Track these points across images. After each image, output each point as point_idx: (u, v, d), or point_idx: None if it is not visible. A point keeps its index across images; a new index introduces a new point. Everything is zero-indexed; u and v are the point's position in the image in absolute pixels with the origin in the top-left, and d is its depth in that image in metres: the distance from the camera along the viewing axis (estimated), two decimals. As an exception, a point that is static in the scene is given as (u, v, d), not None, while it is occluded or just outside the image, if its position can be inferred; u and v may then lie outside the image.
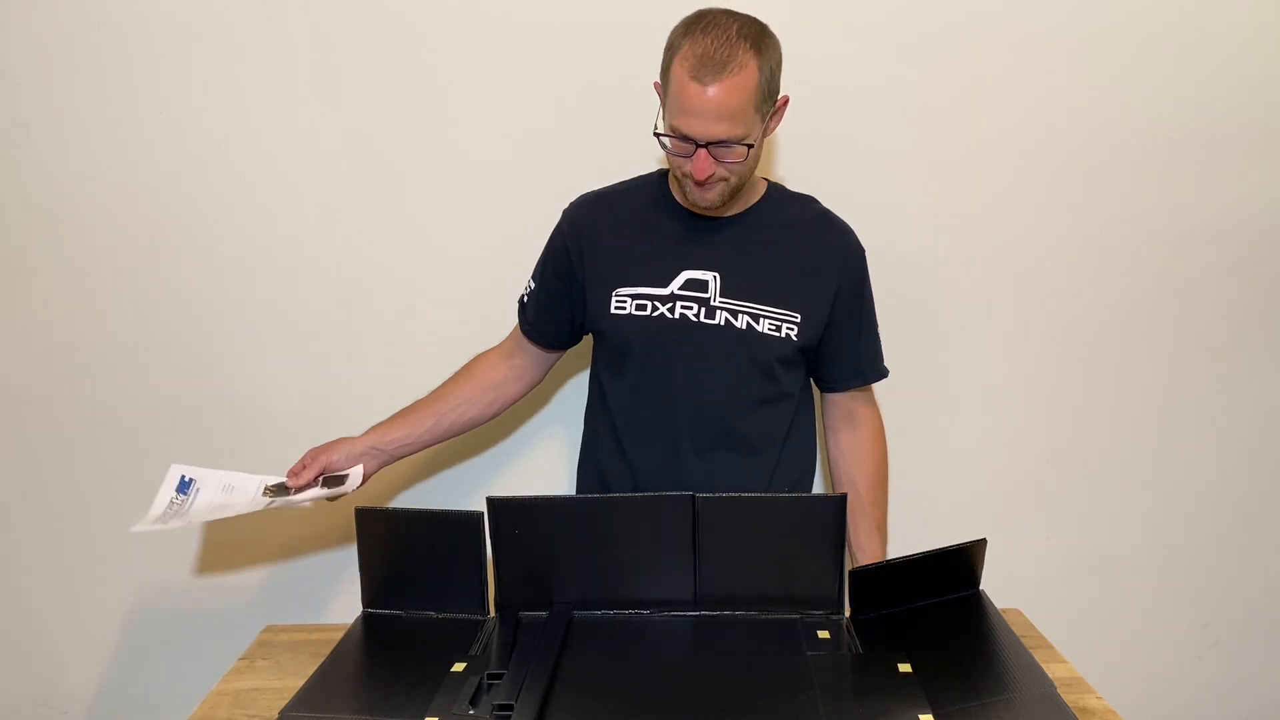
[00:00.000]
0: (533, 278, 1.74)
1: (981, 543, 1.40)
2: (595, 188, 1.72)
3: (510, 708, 1.19)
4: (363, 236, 1.97)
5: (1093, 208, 2.03)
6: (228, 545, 2.11)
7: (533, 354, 1.77)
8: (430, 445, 1.74)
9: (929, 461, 2.14)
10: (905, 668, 1.26)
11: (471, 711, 1.21)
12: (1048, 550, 2.21)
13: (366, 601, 1.51)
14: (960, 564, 1.41)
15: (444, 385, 1.75)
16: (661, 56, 1.48)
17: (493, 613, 1.49)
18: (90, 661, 2.15)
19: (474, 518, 1.44)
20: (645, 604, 1.46)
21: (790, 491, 1.67)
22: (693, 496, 1.40)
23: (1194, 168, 2.02)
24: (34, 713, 2.18)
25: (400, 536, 1.49)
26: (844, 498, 1.40)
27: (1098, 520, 2.21)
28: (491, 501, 1.44)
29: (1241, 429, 2.18)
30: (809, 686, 1.23)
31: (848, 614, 1.43)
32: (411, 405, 1.73)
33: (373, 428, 1.70)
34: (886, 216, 2.00)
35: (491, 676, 1.28)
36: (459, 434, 1.76)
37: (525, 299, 1.74)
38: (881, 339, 1.90)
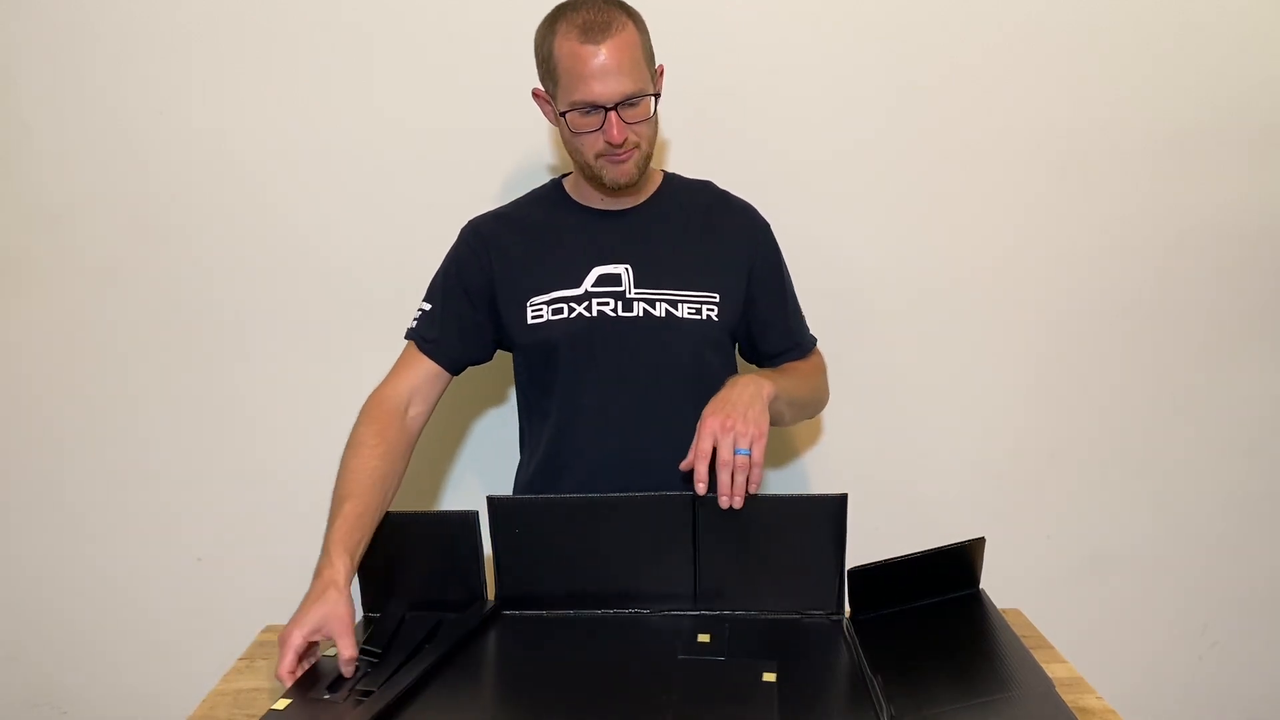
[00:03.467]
0: (428, 301, 1.64)
1: (980, 541, 1.39)
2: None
3: (370, 693, 1.20)
4: (366, 236, 1.98)
5: (1094, 207, 2.03)
6: (228, 545, 2.11)
7: (433, 379, 1.62)
8: None
9: (929, 460, 2.14)
10: (770, 677, 1.24)
11: (327, 696, 1.21)
12: (1048, 550, 2.20)
13: (366, 605, 1.50)
14: (960, 563, 1.40)
15: (362, 462, 1.47)
16: (535, 58, 1.51)
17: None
18: (90, 661, 2.15)
19: (470, 518, 1.43)
20: (645, 603, 1.45)
21: None
22: (693, 496, 1.39)
23: (1195, 168, 2.02)
24: (34, 713, 2.17)
25: (397, 538, 1.47)
26: (844, 497, 1.39)
27: (1098, 520, 2.20)
28: (492, 501, 1.43)
29: (1242, 429, 2.17)
30: (671, 689, 1.23)
31: (848, 614, 1.42)
32: (347, 506, 1.40)
33: (340, 557, 1.33)
34: (888, 217, 2.01)
35: (366, 651, 1.28)
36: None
37: (421, 324, 1.63)
38: (884, 338, 1.95)
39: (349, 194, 1.96)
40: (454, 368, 1.63)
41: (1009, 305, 2.07)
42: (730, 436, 1.35)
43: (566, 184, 1.67)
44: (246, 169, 1.94)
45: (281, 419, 2.06)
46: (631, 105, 1.46)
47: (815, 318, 1.78)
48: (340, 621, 1.27)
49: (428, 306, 1.65)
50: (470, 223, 1.68)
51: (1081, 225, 2.04)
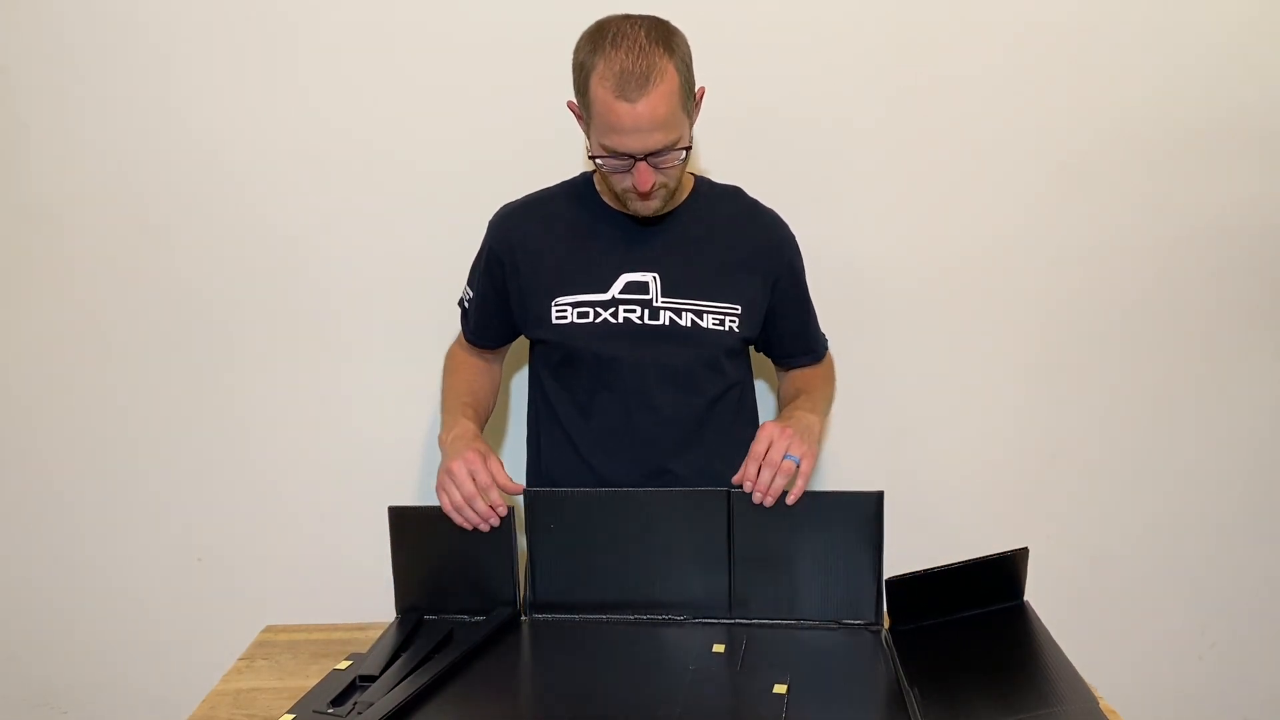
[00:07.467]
0: (469, 285, 1.68)
1: (1023, 552, 1.31)
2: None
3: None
4: (364, 237, 1.95)
5: (1094, 209, 1.99)
6: (228, 545, 2.08)
7: (495, 355, 1.74)
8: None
9: (930, 461, 2.11)
10: (780, 689, 1.20)
11: (331, 710, 1.18)
12: (1048, 550, 2.09)
13: (399, 605, 1.47)
14: (1002, 574, 1.33)
15: (457, 372, 1.67)
16: (572, 75, 1.42)
17: (525, 612, 1.45)
18: (90, 661, 2.12)
19: (507, 511, 1.39)
20: (678, 609, 1.41)
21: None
22: (728, 490, 1.37)
23: (1196, 169, 1.99)
24: (34, 713, 2.14)
25: (430, 533, 1.42)
26: (880, 495, 1.34)
27: (1098, 520, 2.15)
28: (528, 494, 1.40)
29: (1241, 430, 2.13)
30: (675, 701, 1.19)
31: (886, 624, 1.37)
32: (452, 392, 1.62)
33: (462, 421, 1.50)
34: (890, 218, 1.98)
35: (363, 679, 1.25)
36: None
37: (466, 305, 1.68)
38: (884, 338, 1.99)
39: (348, 194, 1.92)
40: (500, 345, 1.70)
41: (1010, 306, 2.03)
42: (785, 443, 1.39)
43: (596, 180, 1.60)
44: (245, 169, 1.90)
45: (281, 419, 2.02)
46: (662, 155, 1.40)
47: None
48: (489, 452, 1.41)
49: (470, 293, 1.67)
50: (498, 212, 1.64)
51: (1083, 226, 2.00)
